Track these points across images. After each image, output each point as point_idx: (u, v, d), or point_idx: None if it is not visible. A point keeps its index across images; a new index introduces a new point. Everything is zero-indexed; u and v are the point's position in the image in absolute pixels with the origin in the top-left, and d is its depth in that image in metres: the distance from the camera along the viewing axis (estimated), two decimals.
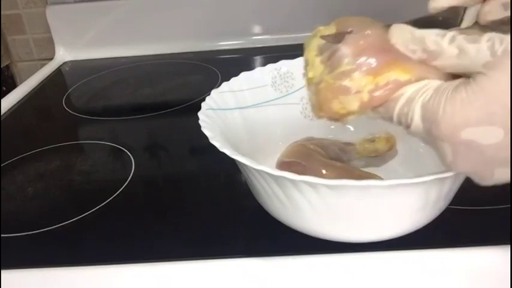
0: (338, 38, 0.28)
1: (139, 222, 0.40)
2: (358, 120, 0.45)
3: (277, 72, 0.44)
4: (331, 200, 0.29)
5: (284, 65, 0.44)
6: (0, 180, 0.48)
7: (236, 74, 0.42)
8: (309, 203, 0.30)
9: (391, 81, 0.26)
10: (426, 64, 0.25)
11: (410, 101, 0.25)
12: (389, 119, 0.27)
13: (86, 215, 0.41)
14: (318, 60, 0.29)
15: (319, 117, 0.30)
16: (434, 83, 0.25)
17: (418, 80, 0.25)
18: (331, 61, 0.28)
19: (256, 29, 0.84)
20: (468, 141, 0.23)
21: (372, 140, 0.42)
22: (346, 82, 0.27)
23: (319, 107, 0.29)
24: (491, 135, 0.23)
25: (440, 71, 0.25)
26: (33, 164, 0.51)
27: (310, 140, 0.42)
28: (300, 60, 0.45)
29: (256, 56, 0.81)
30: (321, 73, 0.29)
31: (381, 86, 0.26)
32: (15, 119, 0.65)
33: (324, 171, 0.37)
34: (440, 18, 0.27)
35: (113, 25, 0.84)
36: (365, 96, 0.26)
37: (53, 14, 0.84)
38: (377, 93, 0.26)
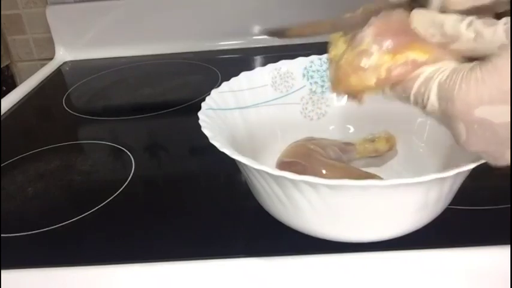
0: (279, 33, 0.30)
1: (139, 222, 0.40)
2: (358, 120, 0.45)
3: (277, 72, 0.44)
4: (331, 200, 0.29)
5: (284, 65, 0.44)
6: (0, 180, 0.48)
7: (236, 74, 0.42)
8: (309, 203, 0.30)
9: (409, 61, 0.26)
10: (444, 47, 0.26)
11: (427, 81, 0.26)
12: (406, 98, 0.27)
13: (86, 215, 0.41)
14: (342, 40, 0.30)
15: (337, 92, 0.30)
16: (452, 64, 0.26)
17: (435, 61, 0.26)
18: (353, 41, 0.29)
19: (256, 29, 0.84)
20: (481, 120, 0.24)
21: (372, 140, 0.42)
22: (364, 59, 0.27)
23: (338, 82, 0.29)
24: (504, 114, 0.23)
25: (456, 54, 0.26)
26: (33, 164, 0.51)
27: (310, 140, 0.42)
28: (299, 60, 0.45)
29: (256, 56, 0.81)
30: (343, 51, 0.29)
31: (399, 64, 0.27)
32: (15, 119, 0.65)
33: (324, 171, 0.37)
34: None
35: (113, 25, 0.84)
36: (382, 73, 0.27)
37: (53, 14, 0.84)
38: (394, 71, 0.27)
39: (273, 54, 0.80)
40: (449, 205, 0.33)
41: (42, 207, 0.43)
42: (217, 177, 0.45)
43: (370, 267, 0.33)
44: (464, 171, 0.28)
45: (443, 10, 0.26)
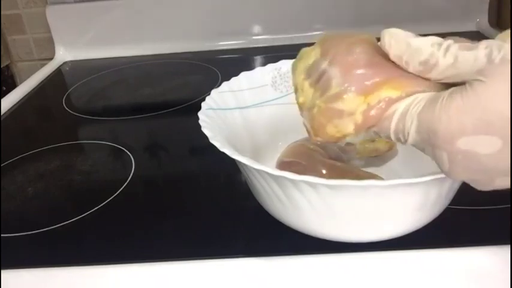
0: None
1: (139, 222, 0.40)
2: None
3: (277, 72, 0.44)
4: (331, 200, 0.29)
5: (284, 64, 0.44)
6: (0, 180, 0.48)
7: (236, 74, 0.42)
8: (309, 203, 0.30)
9: (383, 99, 0.25)
10: (417, 76, 0.25)
11: (403, 116, 0.25)
12: (387, 137, 0.27)
13: (86, 215, 0.41)
14: (306, 84, 0.29)
15: (316, 141, 0.30)
16: (426, 94, 0.25)
17: (409, 94, 0.25)
18: (320, 84, 0.28)
19: (256, 28, 0.84)
20: (465, 151, 0.23)
21: (372, 140, 0.42)
22: (338, 105, 0.26)
23: (315, 133, 0.29)
24: (488, 145, 0.22)
25: (432, 82, 0.25)
26: (33, 164, 0.51)
27: (310, 140, 0.42)
28: None
29: (256, 55, 0.81)
30: (312, 97, 0.28)
31: (373, 105, 0.26)
32: (15, 118, 0.65)
33: (324, 171, 0.37)
34: None
35: (113, 25, 0.84)
36: (359, 118, 0.26)
37: (53, 14, 0.84)
38: (370, 113, 0.26)
39: (273, 54, 0.80)
40: (449, 205, 0.33)
41: (42, 207, 0.43)
42: (217, 177, 0.45)
43: (369, 267, 0.33)
44: None
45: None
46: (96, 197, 0.43)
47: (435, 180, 0.27)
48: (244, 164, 0.30)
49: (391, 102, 0.25)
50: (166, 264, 0.34)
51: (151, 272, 0.34)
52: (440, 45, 0.23)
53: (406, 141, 0.26)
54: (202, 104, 0.37)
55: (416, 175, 0.27)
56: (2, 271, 0.35)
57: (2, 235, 0.39)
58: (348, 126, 0.27)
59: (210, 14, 0.83)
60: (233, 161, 0.32)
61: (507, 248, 0.32)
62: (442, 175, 0.27)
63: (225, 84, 0.41)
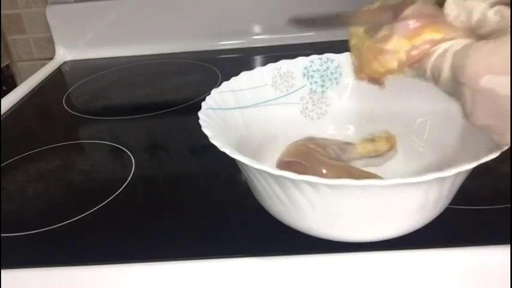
0: (307, 23, 0.30)
1: (140, 222, 0.40)
2: (358, 120, 0.45)
3: (278, 72, 0.44)
4: (331, 200, 0.29)
5: (284, 64, 0.44)
6: (0, 180, 0.48)
7: (236, 74, 0.42)
8: (309, 203, 0.30)
9: (427, 41, 0.28)
10: (461, 27, 0.27)
11: (443, 54, 0.27)
12: (423, 73, 0.28)
13: (86, 215, 0.41)
14: (361, 29, 0.32)
15: (360, 78, 0.32)
16: (467, 40, 0.26)
17: (450, 37, 0.27)
18: (372, 28, 0.30)
19: (256, 28, 0.84)
20: (487, 89, 0.24)
21: (372, 140, 0.42)
22: (384, 45, 0.29)
23: (361, 68, 0.31)
24: (508, 86, 0.23)
25: (477, 37, 0.27)
26: (33, 164, 0.51)
27: (310, 139, 0.42)
28: (299, 60, 0.45)
29: (256, 55, 0.81)
30: (363, 38, 0.31)
31: (417, 45, 0.28)
32: (15, 118, 0.65)
33: (324, 171, 0.37)
34: None
35: (113, 25, 0.84)
36: (402, 56, 0.28)
37: (53, 14, 0.84)
38: (413, 52, 0.28)
39: (273, 54, 0.80)
40: (449, 205, 0.33)
41: (42, 207, 0.43)
42: (218, 177, 0.45)
43: (370, 267, 0.33)
44: (464, 171, 0.28)
45: None
46: (96, 196, 0.43)
47: (435, 180, 0.27)
48: (244, 164, 0.30)
49: (435, 43, 0.27)
50: (166, 264, 0.34)
51: (151, 272, 0.34)
52: (491, 8, 0.26)
53: (439, 77, 0.27)
54: (203, 103, 0.37)
55: (416, 175, 0.27)
56: (2, 271, 0.35)
57: (2, 235, 0.39)
58: (391, 62, 0.29)
59: (210, 13, 0.83)
60: (233, 161, 0.32)
61: (507, 248, 0.32)
62: (442, 174, 0.27)
63: (225, 84, 0.41)
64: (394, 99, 0.42)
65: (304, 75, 0.45)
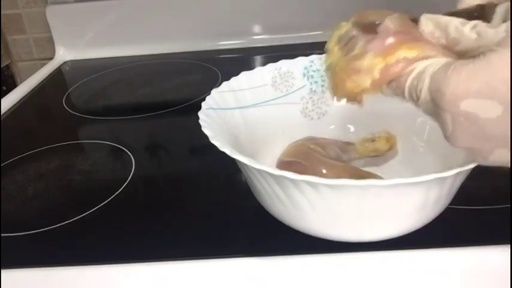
0: (368, 28, 0.30)
1: (140, 222, 0.40)
2: (358, 120, 0.45)
3: (278, 72, 0.44)
4: (331, 200, 0.29)
5: (284, 64, 0.44)
6: (0, 180, 0.48)
7: (236, 74, 0.42)
8: (309, 203, 0.30)
9: (401, 59, 0.27)
10: (437, 44, 0.27)
11: (420, 74, 0.26)
12: (402, 93, 0.28)
13: (86, 215, 0.41)
14: (336, 48, 0.32)
15: (337, 98, 0.31)
16: (445, 59, 0.26)
17: (425, 56, 0.27)
18: (347, 47, 0.30)
19: (256, 28, 0.84)
20: (468, 113, 0.23)
21: (372, 140, 0.42)
22: (357, 63, 0.28)
23: (336, 87, 0.31)
24: (490, 109, 0.23)
25: (452, 54, 0.26)
26: (33, 164, 0.51)
27: (310, 139, 0.42)
28: (299, 60, 0.45)
29: (256, 55, 0.81)
30: (338, 57, 0.31)
31: (391, 64, 0.27)
32: (15, 118, 0.65)
33: (324, 171, 0.37)
34: (476, 14, 0.28)
35: (113, 25, 0.84)
36: (376, 74, 0.28)
37: (53, 14, 0.84)
38: (387, 70, 0.28)
39: (273, 54, 0.80)
40: (449, 205, 0.33)
41: (42, 206, 0.43)
42: (218, 177, 0.45)
43: (370, 267, 0.33)
44: (464, 171, 0.28)
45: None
46: (96, 196, 0.43)
47: (435, 179, 0.27)
48: (244, 164, 0.30)
49: (409, 61, 0.27)
50: (166, 264, 0.34)
51: (150, 272, 0.34)
52: (466, 23, 0.25)
53: (417, 99, 0.26)
54: (203, 103, 0.37)
55: (416, 175, 0.27)
56: (2, 270, 0.35)
57: (2, 235, 0.39)
58: (365, 82, 0.28)
59: (210, 13, 0.83)
60: (233, 161, 0.32)
61: (507, 248, 0.32)
62: (442, 175, 0.27)
63: (225, 84, 0.41)
64: (394, 99, 0.41)
65: (304, 75, 0.45)
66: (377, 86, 0.28)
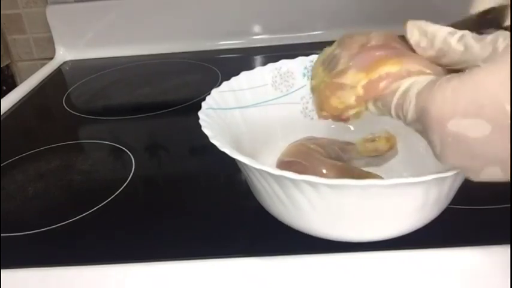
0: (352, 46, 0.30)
1: (140, 221, 0.40)
2: (358, 120, 0.45)
3: (278, 72, 0.44)
4: (331, 200, 0.29)
5: (284, 64, 0.44)
6: (0, 180, 0.48)
7: (236, 74, 0.42)
8: (309, 203, 0.30)
9: (383, 75, 0.27)
10: (421, 58, 0.27)
11: (406, 93, 0.26)
12: (388, 112, 0.27)
13: (86, 215, 0.41)
14: (320, 69, 0.31)
15: (323, 117, 0.31)
16: (430, 76, 0.25)
17: (410, 71, 0.26)
18: (330, 65, 0.30)
19: (256, 28, 0.84)
20: (455, 133, 0.23)
21: (372, 140, 0.42)
22: (341, 79, 0.28)
23: (321, 106, 0.30)
24: (478, 129, 0.22)
25: (438, 68, 0.26)
26: (33, 164, 0.51)
27: (310, 139, 0.42)
28: (299, 60, 0.45)
29: (256, 55, 0.81)
30: (321, 77, 0.31)
31: (374, 80, 0.27)
32: (15, 118, 0.65)
33: (324, 171, 0.37)
34: (489, 16, 0.27)
35: (113, 25, 0.84)
36: (360, 91, 0.28)
37: (53, 14, 0.84)
38: (370, 86, 0.27)
39: (273, 54, 0.80)
40: (449, 205, 0.33)
41: (42, 206, 0.43)
42: (218, 176, 0.45)
43: (370, 266, 0.33)
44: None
45: None
46: (96, 196, 0.43)
47: (435, 179, 0.27)
48: (244, 164, 0.30)
49: (392, 76, 0.27)
50: (166, 264, 0.34)
51: (150, 272, 0.34)
52: (454, 34, 0.25)
53: (405, 118, 0.26)
54: (203, 103, 0.37)
55: (416, 174, 0.27)
56: (2, 270, 0.35)
57: (2, 235, 0.39)
58: (349, 98, 0.28)
59: (210, 13, 0.83)
60: (233, 161, 0.32)
61: (507, 247, 0.32)
62: (443, 174, 0.27)
63: (225, 84, 0.41)
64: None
65: (304, 75, 0.45)
66: (361, 103, 0.28)
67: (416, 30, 0.27)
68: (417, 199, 0.30)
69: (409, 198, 0.30)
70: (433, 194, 0.30)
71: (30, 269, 0.35)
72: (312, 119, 0.45)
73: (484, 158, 0.23)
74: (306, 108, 0.45)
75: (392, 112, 0.27)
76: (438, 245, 0.33)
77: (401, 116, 0.26)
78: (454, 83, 0.23)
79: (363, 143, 0.42)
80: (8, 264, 0.35)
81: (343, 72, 0.28)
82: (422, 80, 0.25)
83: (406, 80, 0.26)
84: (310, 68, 0.45)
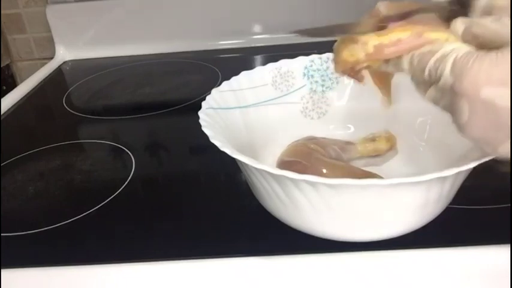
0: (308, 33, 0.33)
1: (140, 221, 0.40)
2: (358, 119, 0.45)
3: (278, 72, 0.44)
4: (331, 199, 0.29)
5: (284, 64, 0.44)
6: (0, 180, 0.48)
7: (236, 73, 0.42)
8: (309, 202, 0.30)
9: (394, 41, 0.28)
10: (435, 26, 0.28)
11: (444, 56, 0.26)
12: (420, 71, 0.28)
13: (87, 214, 0.41)
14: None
15: (337, 71, 0.33)
16: (468, 47, 0.26)
17: (419, 34, 0.28)
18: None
19: (257, 28, 0.84)
20: (486, 100, 0.24)
21: (372, 140, 0.42)
22: (356, 36, 0.30)
23: (335, 60, 0.32)
24: (508, 98, 0.23)
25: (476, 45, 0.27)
26: (33, 163, 0.51)
27: (310, 139, 0.42)
28: (300, 60, 0.45)
29: (256, 55, 0.81)
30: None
31: (385, 44, 0.29)
32: (15, 118, 0.65)
33: (324, 171, 0.37)
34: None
35: (113, 24, 0.84)
36: (370, 49, 0.29)
37: (53, 13, 0.84)
38: (381, 49, 0.29)
39: (273, 54, 0.80)
40: (449, 205, 0.33)
41: (42, 206, 0.43)
42: (218, 176, 0.45)
43: (370, 266, 0.33)
44: (464, 171, 0.28)
45: (488, 12, 0.26)
46: (97, 196, 0.43)
47: (436, 179, 0.27)
48: (244, 163, 0.30)
49: (400, 42, 0.28)
50: (166, 264, 0.34)
51: (151, 271, 0.34)
52: (497, 19, 0.25)
53: (437, 80, 0.27)
54: (203, 103, 0.37)
55: (416, 174, 0.27)
56: (2, 270, 0.35)
57: (2, 234, 0.39)
58: (359, 52, 0.30)
59: (210, 13, 0.82)
60: (233, 161, 0.32)
61: (507, 248, 0.32)
62: (443, 174, 0.27)
63: (225, 84, 0.41)
64: (394, 99, 0.42)
65: (304, 74, 0.45)
66: (371, 60, 0.30)
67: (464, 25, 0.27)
68: (418, 199, 0.30)
69: (409, 198, 0.30)
70: (433, 193, 0.30)
71: (30, 269, 0.35)
72: (312, 118, 0.45)
73: (507, 129, 0.24)
74: (306, 108, 0.45)
75: (426, 72, 0.27)
76: (438, 245, 0.33)
77: (433, 76, 0.27)
78: (492, 56, 0.24)
79: (363, 142, 0.42)
80: (8, 263, 0.35)
81: (361, 34, 0.30)
82: (462, 49, 0.26)
83: (447, 45, 0.27)
84: (310, 67, 0.45)
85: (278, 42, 0.83)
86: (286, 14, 0.82)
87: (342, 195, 0.29)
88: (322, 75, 0.45)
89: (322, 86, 0.45)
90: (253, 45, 0.84)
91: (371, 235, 0.32)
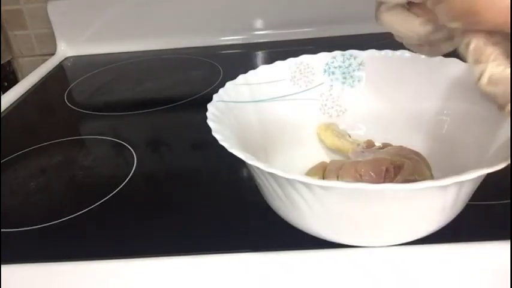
0: None
1: (142, 217, 0.40)
2: (378, 119, 0.43)
3: (297, 67, 0.43)
4: (329, 201, 0.29)
5: (305, 59, 0.43)
6: (0, 176, 0.48)
7: (238, 69, 0.42)
8: (307, 204, 0.30)
9: None
10: None
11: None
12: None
13: (88, 210, 0.41)
14: None
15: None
16: None
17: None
18: None
19: (259, 24, 0.83)
20: None
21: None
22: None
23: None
24: None
25: None
26: (35, 159, 0.51)
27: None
28: (321, 55, 0.43)
29: (258, 51, 0.81)
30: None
31: None
32: (17, 114, 0.65)
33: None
34: None
35: (114, 20, 0.84)
36: None
37: (54, 9, 0.84)
38: None
39: (275, 50, 0.79)
40: None
41: (44, 202, 0.43)
42: (221, 172, 0.45)
43: (374, 262, 0.32)
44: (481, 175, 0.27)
45: None
46: (98, 192, 0.43)
47: (455, 184, 0.26)
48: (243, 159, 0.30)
49: None
50: (168, 259, 0.34)
51: (153, 267, 0.34)
52: None
53: None
54: (214, 95, 0.37)
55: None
56: (2, 266, 0.35)
57: (3, 230, 0.39)
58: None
59: (212, 9, 0.82)
60: (236, 156, 0.31)
61: (507, 243, 0.32)
62: (461, 179, 0.26)
63: (241, 77, 0.40)
64: (413, 97, 0.40)
65: (325, 71, 0.43)
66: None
67: None
68: (438, 203, 0.29)
69: (411, 204, 0.29)
70: (449, 198, 0.29)
71: (31, 264, 0.35)
72: (331, 116, 0.44)
73: None
74: (325, 105, 0.43)
75: None
76: (439, 240, 0.33)
77: None
78: None
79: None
80: (10, 259, 0.35)
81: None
82: None
83: None
84: (331, 64, 0.43)
85: (280, 38, 0.83)
86: (288, 9, 0.82)
87: (331, 198, 0.28)
88: (344, 73, 0.43)
89: (343, 83, 0.43)
90: (254, 41, 0.83)
91: (370, 239, 0.32)
